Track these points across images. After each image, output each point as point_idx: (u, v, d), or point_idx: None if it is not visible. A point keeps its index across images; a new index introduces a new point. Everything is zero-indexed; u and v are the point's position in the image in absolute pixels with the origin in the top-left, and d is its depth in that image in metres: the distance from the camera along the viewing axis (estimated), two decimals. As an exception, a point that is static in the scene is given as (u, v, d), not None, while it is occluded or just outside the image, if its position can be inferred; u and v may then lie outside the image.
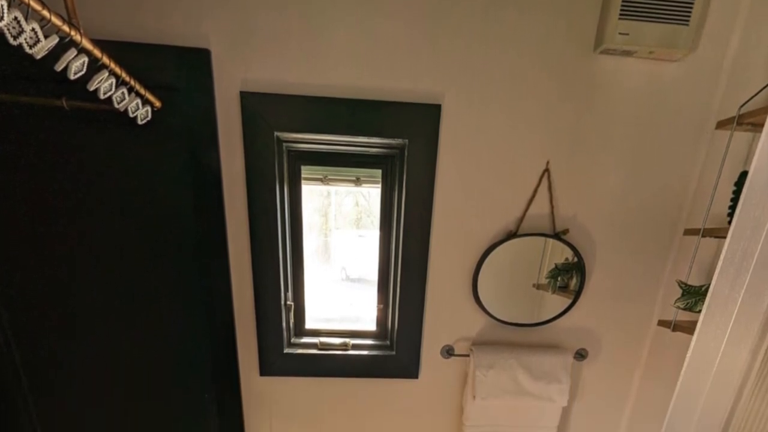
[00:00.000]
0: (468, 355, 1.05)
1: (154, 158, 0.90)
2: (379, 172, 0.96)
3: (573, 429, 1.16)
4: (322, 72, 0.84)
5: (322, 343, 1.05)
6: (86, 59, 0.60)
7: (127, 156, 0.90)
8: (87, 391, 1.06)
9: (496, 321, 1.02)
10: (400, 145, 0.91)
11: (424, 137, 0.89)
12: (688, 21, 0.79)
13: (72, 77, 0.60)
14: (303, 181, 0.94)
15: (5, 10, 0.45)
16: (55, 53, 0.55)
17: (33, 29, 0.49)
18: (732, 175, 0.86)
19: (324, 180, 0.96)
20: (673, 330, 0.92)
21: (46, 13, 0.49)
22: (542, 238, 0.96)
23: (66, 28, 0.53)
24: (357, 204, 1.09)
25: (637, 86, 0.86)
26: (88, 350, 1.03)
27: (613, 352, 1.08)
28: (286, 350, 1.04)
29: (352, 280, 1.20)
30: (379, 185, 0.97)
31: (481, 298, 1.00)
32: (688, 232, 0.94)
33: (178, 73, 0.84)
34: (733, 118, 0.84)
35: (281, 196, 0.94)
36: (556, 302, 1.03)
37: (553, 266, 1.00)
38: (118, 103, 0.73)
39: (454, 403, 1.12)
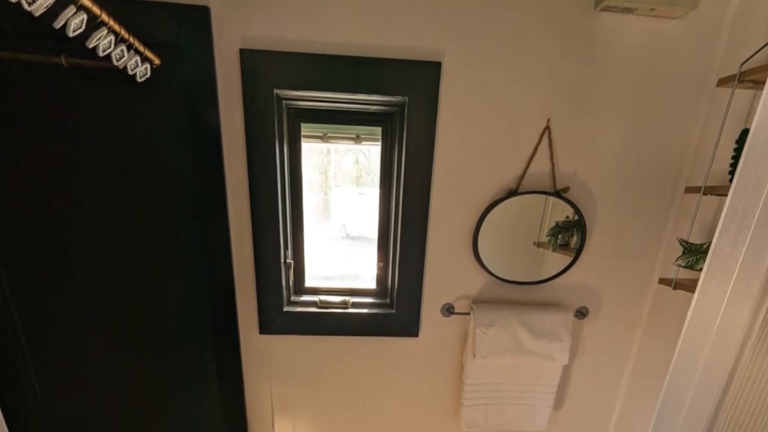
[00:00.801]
0: (468, 314, 1.34)
1: (153, 116, 1.14)
2: (379, 130, 1.20)
3: (574, 387, 1.48)
4: (322, 29, 1.06)
5: (321, 302, 1.34)
6: (85, 16, 0.78)
7: (126, 114, 1.14)
8: (86, 350, 1.36)
9: (496, 279, 1.31)
10: (400, 102, 1.15)
11: (424, 95, 1.12)
12: (689, -24, 1.01)
13: (71, 34, 0.75)
14: (303, 139, 1.19)
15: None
16: (54, 10, 0.70)
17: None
18: (733, 132, 1.10)
19: (324, 138, 1.21)
20: (674, 288, 1.19)
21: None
22: (543, 196, 1.22)
23: (64, -16, 0.73)
24: (357, 162, 1.35)
25: (637, 44, 1.09)
26: (87, 309, 1.31)
27: (614, 310, 1.37)
28: (286, 308, 1.33)
29: (352, 238, 1.48)
30: (379, 143, 1.22)
31: (482, 256, 1.28)
32: (689, 189, 1.19)
33: (178, 30, 1.07)
34: (734, 75, 1.07)
35: (281, 153, 1.19)
36: (557, 260, 1.30)
37: (554, 224, 1.26)
38: (117, 61, 0.96)
39: (455, 361, 1.42)
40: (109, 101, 1.13)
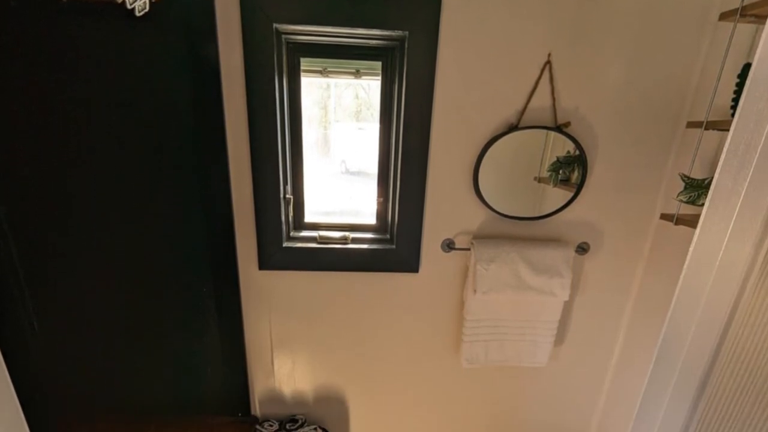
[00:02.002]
0: (469, 249, 1.85)
1: (152, 51, 1.60)
2: (379, 65, 1.67)
3: (575, 323, 2.05)
4: (322, -35, 1.50)
5: (321, 237, 1.87)
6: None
7: (124, 49, 1.60)
8: (84, 285, 1.89)
9: (497, 214, 1.83)
10: (400, 37, 1.61)
11: (425, 29, 1.58)
12: None
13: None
14: (302, 74, 1.66)
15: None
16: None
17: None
18: (735, 67, 1.57)
19: (323, 72, 1.68)
20: (676, 223, 1.69)
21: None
22: (543, 131, 1.72)
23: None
24: (357, 97, 1.82)
25: (637, -21, 1.53)
26: (86, 245, 1.83)
27: (615, 246, 1.90)
28: (285, 244, 1.86)
29: (352, 174, 1.99)
30: (379, 78, 1.68)
31: (482, 192, 1.79)
32: (691, 124, 1.68)
33: (178, -36, 1.51)
34: (736, 9, 1.51)
35: (280, 88, 1.66)
36: (558, 196, 1.82)
37: (555, 159, 1.77)
38: (121, -3, 1.42)
39: (455, 297, 1.98)
40: (108, 36, 1.58)
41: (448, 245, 1.86)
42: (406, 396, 2.13)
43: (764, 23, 0.68)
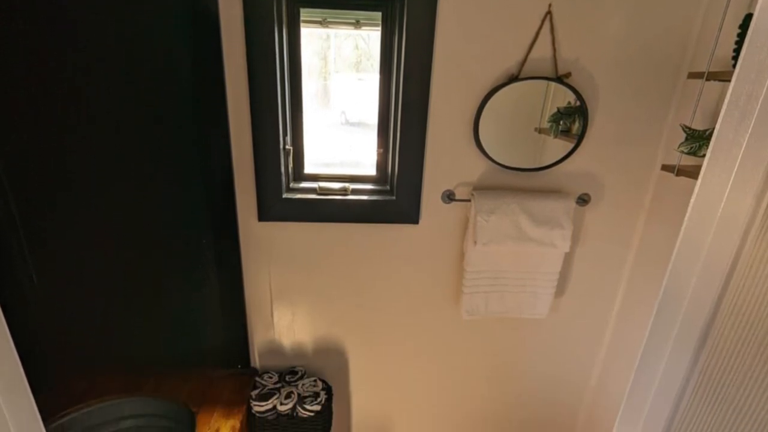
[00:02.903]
0: (469, 201, 2.09)
1: (150, 5, 1.83)
2: (379, 15, 1.88)
3: (575, 274, 2.34)
4: None
5: (321, 188, 2.13)
6: None
7: (122, 4, 1.83)
8: (83, 238, 2.14)
9: (497, 166, 2.08)
10: (400, -13, 1.84)
11: (425, -20, 1.81)
12: None
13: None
14: (302, 24, 1.88)
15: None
16: None
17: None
18: (736, 17, 1.79)
19: (323, 23, 1.90)
20: (677, 175, 1.92)
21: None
22: (544, 82, 1.95)
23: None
24: (357, 47, 2.05)
25: (637, -71, 1.75)
26: (85, 197, 2.06)
27: (616, 197, 2.16)
28: (285, 195, 2.12)
29: (352, 125, 2.24)
30: (379, 28, 1.90)
31: (483, 143, 2.03)
32: (692, 75, 1.91)
33: None
34: (737, -40, 1.75)
35: (280, 40, 1.89)
36: (558, 147, 2.07)
37: (555, 110, 2.01)
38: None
39: (455, 248, 2.25)
40: (107, -13, 1.81)
41: (449, 196, 2.12)
42: (405, 347, 2.43)
43: (765, -28, 0.74)
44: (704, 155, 0.82)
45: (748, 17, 1.73)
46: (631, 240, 2.23)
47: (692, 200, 0.79)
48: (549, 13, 1.83)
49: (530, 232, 2.10)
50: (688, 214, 0.80)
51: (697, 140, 1.75)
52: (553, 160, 2.07)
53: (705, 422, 0.81)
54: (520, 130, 2.03)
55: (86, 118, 1.92)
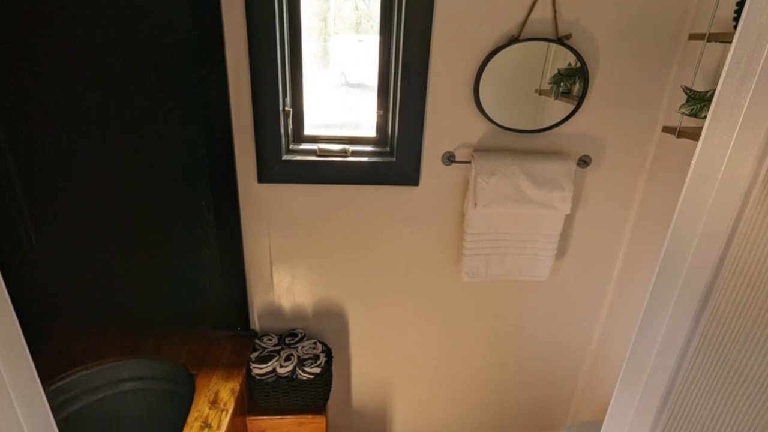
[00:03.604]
0: (469, 162, 2.24)
1: (150, -39, 1.96)
2: (379, -25, 2.04)
3: (576, 236, 2.51)
4: None
5: (321, 150, 2.28)
6: None
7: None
8: (81, 198, 2.29)
9: (497, 127, 2.23)
10: (400, -53, 1.97)
11: (425, -60, 1.94)
12: None
13: None
14: (302, -15, 2.03)
15: None
16: None
17: None
18: (738, -22, 1.95)
19: (323, -17, 2.04)
20: (678, 136, 2.05)
21: None
22: (545, 43, 2.09)
23: None
24: (356, 8, 2.19)
25: None
26: (84, 158, 2.21)
27: (617, 159, 2.32)
28: (285, 157, 2.27)
29: (352, 86, 2.39)
30: (379, -12, 2.06)
31: (483, 105, 2.18)
32: (693, 36, 2.04)
33: None
34: None
35: (279, 0, 2.03)
36: (559, 108, 2.22)
37: (556, 72, 2.15)
38: None
39: (455, 210, 2.41)
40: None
41: (449, 158, 2.27)
42: (406, 309, 2.62)
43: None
44: (705, 117, 0.87)
45: (750, -22, 1.90)
46: (632, 202, 2.40)
47: (693, 162, 0.83)
48: (550, -27, 1.96)
49: (531, 194, 2.26)
50: (689, 176, 0.84)
51: (698, 102, 1.87)
52: (554, 122, 2.21)
53: (706, 384, 0.84)
54: (520, 92, 2.17)
55: (85, 74, 2.05)
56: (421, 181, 2.32)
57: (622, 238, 2.49)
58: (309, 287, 2.55)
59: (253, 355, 2.42)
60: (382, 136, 2.32)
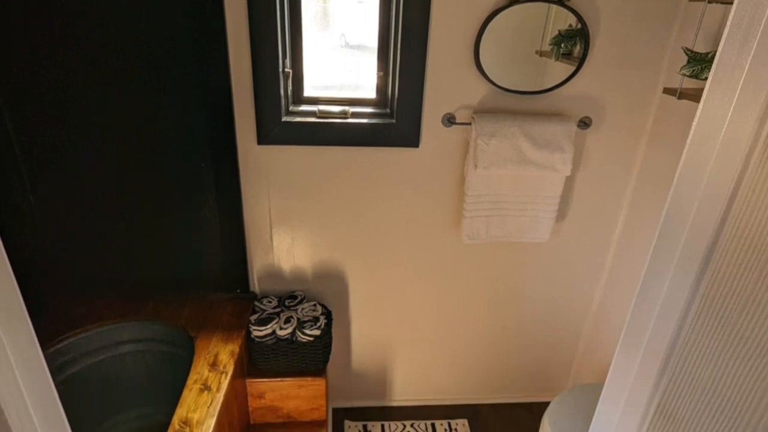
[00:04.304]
0: (470, 124, 2.38)
1: None
2: (379, -64, 2.16)
3: (576, 198, 2.66)
4: None
5: (320, 111, 2.42)
6: None
7: None
8: (81, 161, 2.43)
9: (498, 89, 2.37)
10: None
11: None
12: None
13: None
14: (301, -54, 2.16)
15: None
16: None
17: None
18: (739, -61, 2.08)
19: (323, -56, 2.17)
20: (679, 98, 2.18)
21: None
22: (545, 4, 2.21)
23: None
24: (357, -31, 2.33)
25: None
26: (83, 121, 2.34)
27: (618, 120, 2.46)
28: (285, 118, 2.41)
29: (352, 47, 2.53)
30: (380, -51, 2.19)
31: (483, 66, 2.32)
32: (694, -3, 2.20)
33: None
34: None
35: (279, -39, 2.16)
36: (560, 69, 2.36)
37: (556, 33, 2.28)
38: None
39: (456, 172, 2.56)
40: None
41: (449, 120, 2.42)
42: (406, 271, 2.79)
43: None
44: (706, 78, 0.92)
45: (752, -62, 2.03)
46: (633, 164, 2.56)
47: (694, 123, 0.85)
48: (550, -66, 2.10)
49: (531, 156, 2.40)
50: (690, 138, 0.87)
51: (699, 63, 1.99)
52: (554, 83, 2.35)
53: (707, 347, 0.87)
54: (521, 54, 2.32)
55: (84, 36, 2.16)
56: (422, 143, 2.47)
57: (622, 200, 2.66)
58: (309, 249, 2.72)
59: (253, 318, 2.55)
60: (382, 98, 2.47)
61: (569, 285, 2.90)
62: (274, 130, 2.38)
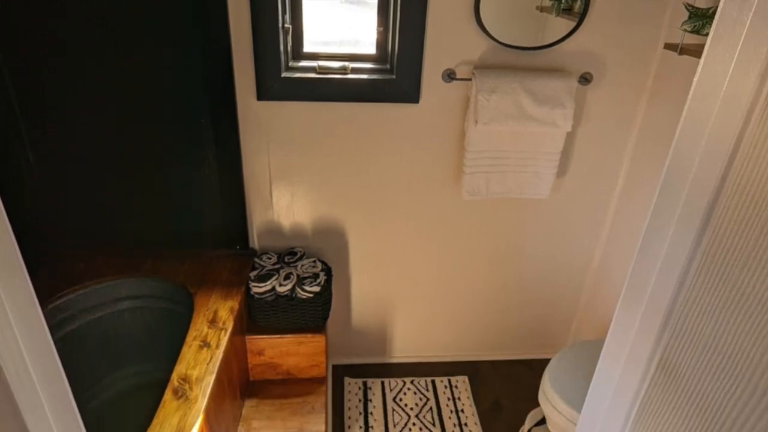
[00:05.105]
0: (470, 80, 2.52)
1: None
2: None
3: (577, 154, 2.82)
4: None
5: (320, 67, 2.57)
6: None
7: None
8: (81, 119, 2.54)
9: (498, 44, 2.51)
10: None
11: None
12: None
13: None
14: None
15: None
16: None
17: None
18: None
19: None
20: (680, 53, 2.32)
21: None
22: (546, -41, 2.39)
23: None
24: (357, -77, 2.47)
25: None
26: (83, 76, 2.46)
27: (618, 76, 2.60)
28: (284, 74, 2.55)
29: (352, 2, 2.66)
30: None
31: (484, 21, 2.45)
32: (696, -48, 2.34)
33: None
34: None
35: None
36: (561, 25, 2.51)
37: (557, -13, 2.46)
38: None
39: (456, 128, 2.71)
40: None
41: (449, 75, 2.58)
42: (406, 228, 2.98)
43: None
44: (707, 34, 0.94)
45: None
46: (634, 119, 2.73)
47: (695, 79, 0.88)
48: None
49: (531, 112, 2.55)
50: (691, 93, 0.89)
51: (700, 18, 2.11)
52: (555, 39, 2.50)
53: (708, 303, 0.89)
54: (521, 9, 2.47)
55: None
56: (422, 99, 2.62)
57: (623, 156, 2.83)
58: (309, 205, 2.89)
59: (252, 274, 2.68)
60: (382, 54, 2.63)
61: (570, 241, 3.09)
62: (274, 86, 2.53)
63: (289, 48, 2.55)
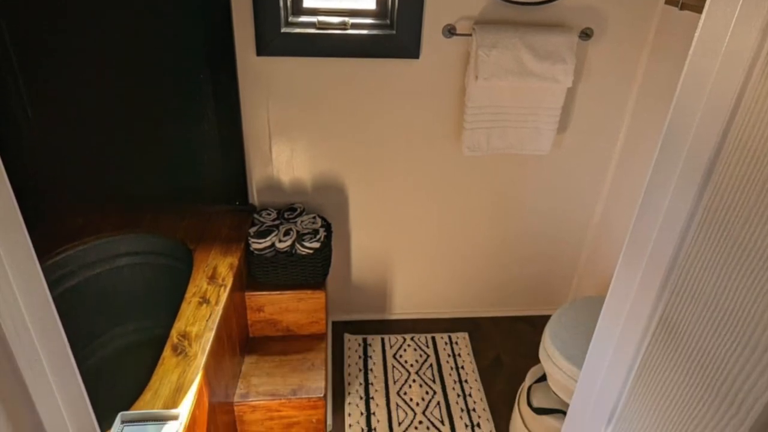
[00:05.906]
0: (470, 35, 2.66)
1: None
2: None
3: (578, 110, 2.97)
4: None
5: (320, 22, 2.71)
6: None
7: None
8: (80, 72, 2.68)
9: (499, -1, 2.71)
10: None
11: None
12: None
13: None
14: None
15: None
16: None
17: None
18: None
19: None
20: (681, 8, 2.45)
21: None
22: None
23: None
24: None
25: None
26: (81, 29, 2.59)
27: (619, 32, 2.75)
28: (284, 29, 2.70)
29: (352, -43, 2.85)
30: None
31: (484, -24, 2.65)
32: None
33: None
34: None
35: None
36: (561, -20, 2.69)
37: (558, -57, 2.61)
38: None
39: (456, 84, 2.86)
40: None
41: (449, 31, 2.72)
42: (406, 184, 3.15)
43: None
44: None
45: None
46: (635, 75, 2.89)
47: (696, 34, 0.90)
48: None
49: (532, 67, 2.70)
50: (692, 49, 0.91)
51: None
52: (556, -6, 2.65)
53: (709, 259, 0.91)
54: (522, -37, 2.62)
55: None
56: (422, 55, 2.78)
57: (624, 112, 3.00)
58: (308, 161, 3.06)
59: (252, 230, 2.79)
60: (382, 9, 2.78)
61: (571, 197, 3.27)
62: (274, 41, 2.68)
63: (288, 3, 2.69)
